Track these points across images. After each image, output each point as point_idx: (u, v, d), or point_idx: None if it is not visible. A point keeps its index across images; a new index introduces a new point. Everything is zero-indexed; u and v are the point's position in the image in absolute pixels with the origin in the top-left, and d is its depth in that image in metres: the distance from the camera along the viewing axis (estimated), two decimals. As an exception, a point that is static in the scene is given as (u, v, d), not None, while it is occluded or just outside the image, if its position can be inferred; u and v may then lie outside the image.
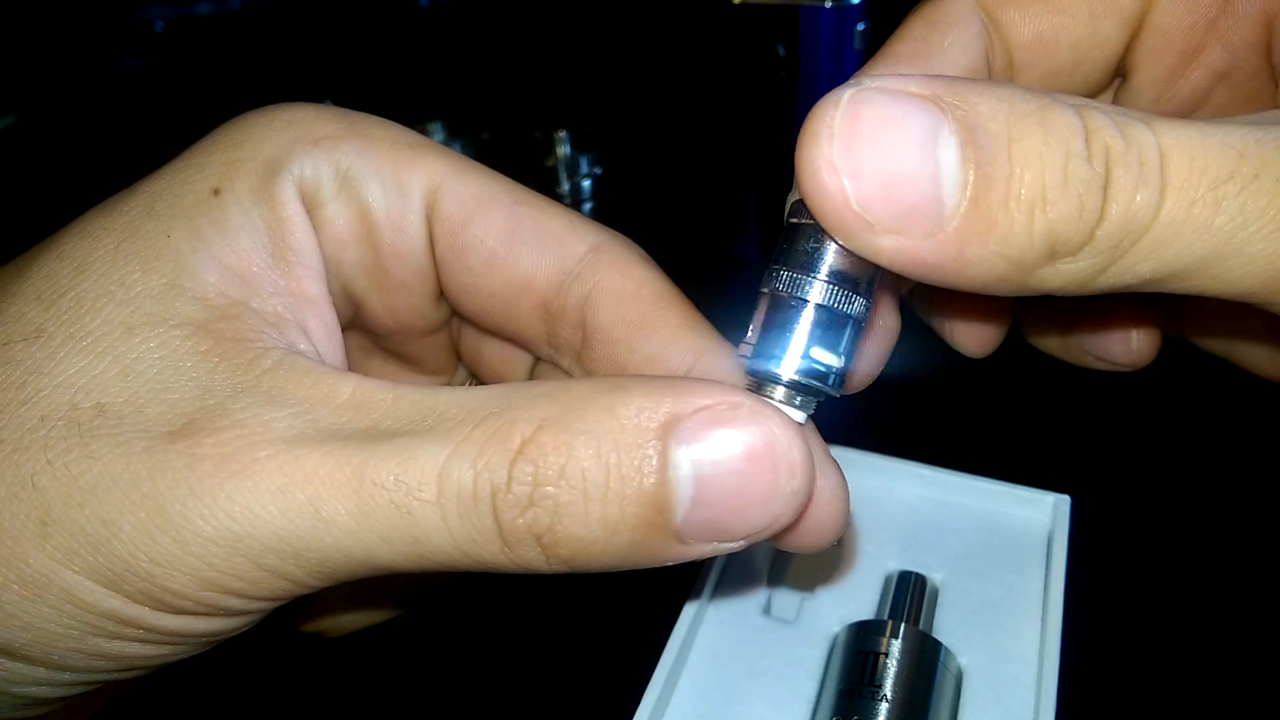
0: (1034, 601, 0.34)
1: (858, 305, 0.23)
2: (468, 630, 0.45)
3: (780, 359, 0.23)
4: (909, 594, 0.34)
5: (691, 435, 0.21)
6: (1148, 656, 0.42)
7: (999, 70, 0.29)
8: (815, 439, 0.25)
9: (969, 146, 0.20)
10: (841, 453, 0.39)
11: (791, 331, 0.23)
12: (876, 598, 0.35)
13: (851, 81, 0.21)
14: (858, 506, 0.38)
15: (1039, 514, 0.37)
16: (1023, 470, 0.38)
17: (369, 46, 0.93)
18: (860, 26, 0.63)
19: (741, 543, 0.22)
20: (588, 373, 0.29)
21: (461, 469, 0.20)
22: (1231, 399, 0.52)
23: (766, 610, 0.35)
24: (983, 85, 0.21)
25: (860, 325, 0.23)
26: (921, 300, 0.31)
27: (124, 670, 0.23)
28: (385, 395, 0.22)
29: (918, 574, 0.35)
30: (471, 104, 0.83)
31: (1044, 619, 0.33)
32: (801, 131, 0.21)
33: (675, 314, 0.27)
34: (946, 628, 0.34)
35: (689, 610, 0.33)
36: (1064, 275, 0.21)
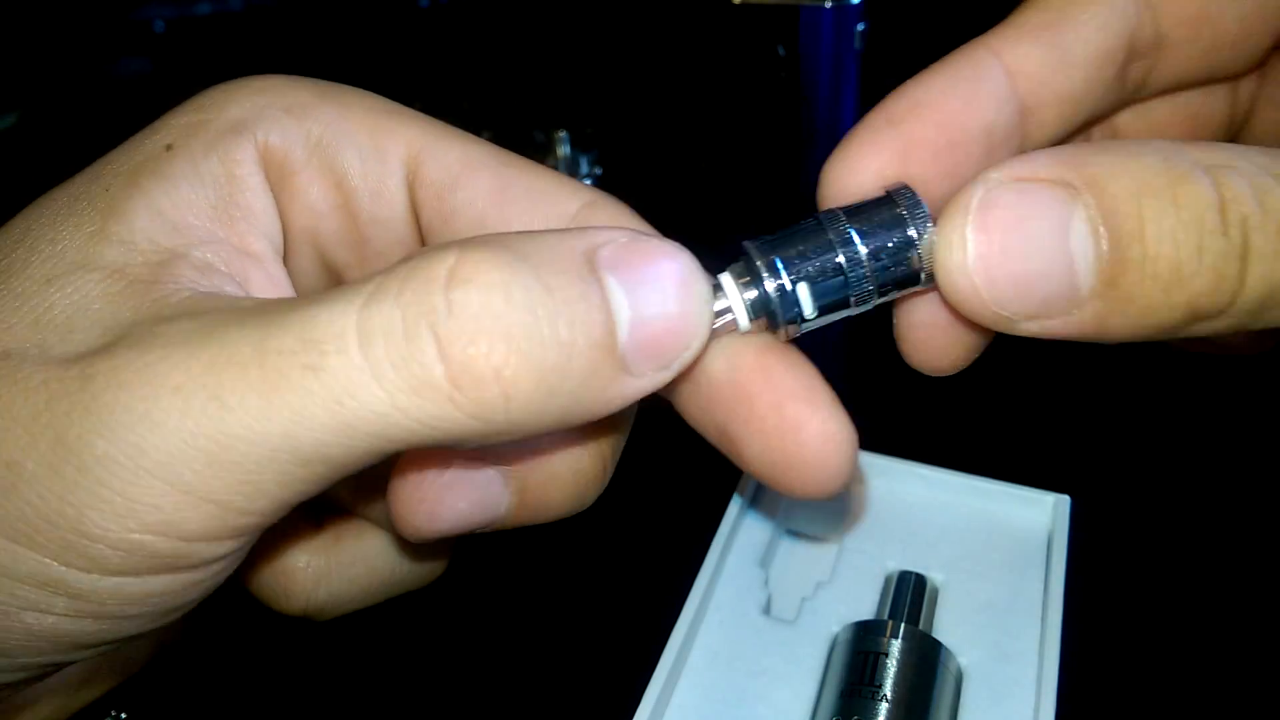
0: (1034, 601, 0.34)
1: (870, 302, 0.24)
2: (466, 629, 0.45)
3: (779, 268, 0.23)
4: (909, 594, 0.34)
5: (615, 261, 0.21)
6: (1147, 656, 0.42)
7: (1147, 49, 0.27)
8: (812, 371, 0.24)
9: (1101, 233, 0.21)
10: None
11: (806, 259, 0.23)
12: (876, 598, 0.35)
13: (980, 179, 0.22)
14: (858, 506, 0.38)
15: (1039, 514, 0.37)
16: (1023, 470, 0.38)
17: (369, 46, 0.93)
18: (860, 27, 0.63)
19: (675, 368, 0.22)
20: None
21: (384, 309, 0.19)
22: (1231, 399, 0.52)
23: (766, 610, 0.35)
24: (1112, 159, 0.21)
25: (853, 314, 0.24)
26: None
27: (67, 652, 0.21)
28: (288, 301, 0.20)
29: (918, 574, 0.35)
30: (471, 104, 0.83)
31: (1044, 619, 0.33)
32: (939, 228, 0.22)
33: None
34: (946, 628, 0.34)
35: (689, 610, 0.33)
36: (1212, 328, 0.22)
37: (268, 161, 0.26)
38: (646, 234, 0.22)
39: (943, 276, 0.22)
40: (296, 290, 0.27)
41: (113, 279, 0.22)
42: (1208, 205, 0.20)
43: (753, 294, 0.23)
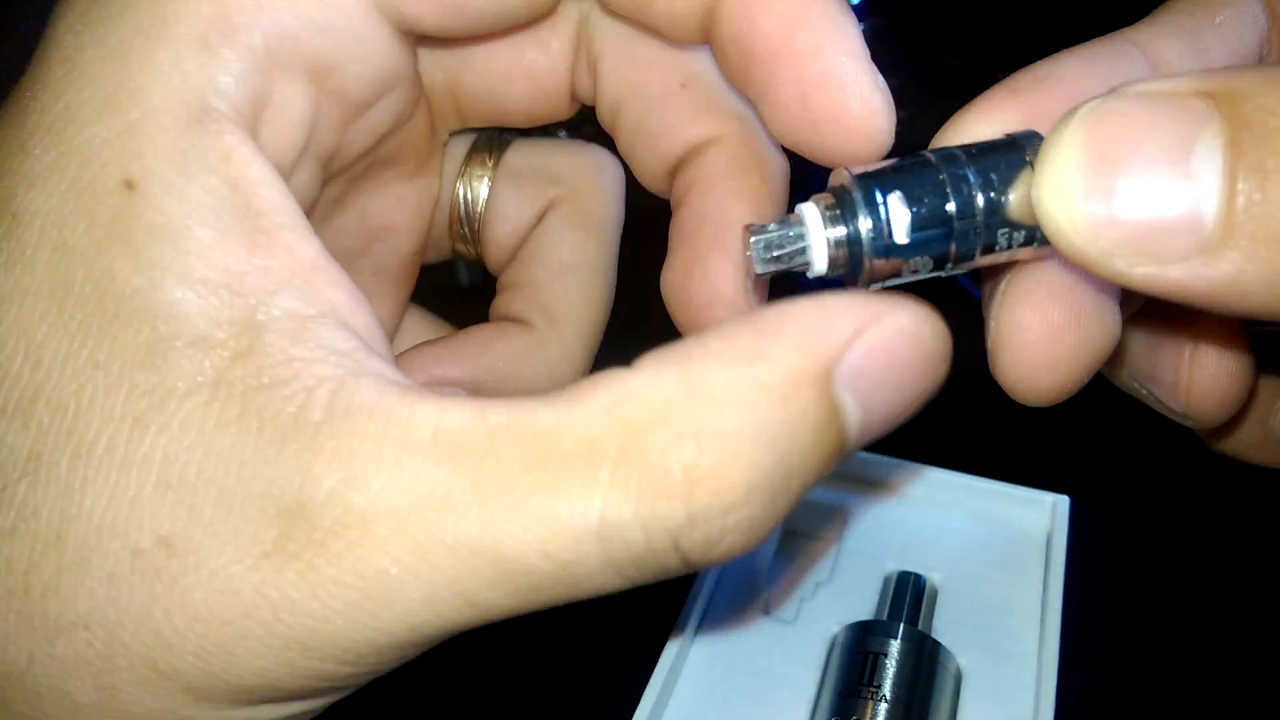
0: (1033, 602, 0.34)
1: (974, 258, 0.20)
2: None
3: (878, 200, 0.20)
4: (908, 594, 0.34)
5: (854, 378, 0.18)
6: (1147, 657, 0.42)
7: (1275, 61, 0.25)
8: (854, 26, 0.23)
9: (1238, 147, 0.17)
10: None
11: (911, 197, 0.20)
12: (876, 598, 0.35)
13: (1109, 91, 0.18)
14: (858, 507, 0.38)
15: (1038, 514, 0.37)
16: (1023, 470, 0.38)
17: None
18: (860, 27, 0.63)
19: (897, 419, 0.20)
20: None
21: (625, 523, 0.17)
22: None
23: (766, 610, 0.35)
24: (1274, 70, 0.17)
25: (944, 275, 0.21)
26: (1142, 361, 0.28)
27: None
28: (474, 429, 0.18)
29: (917, 574, 0.35)
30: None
31: (1043, 619, 0.33)
32: (1045, 142, 0.19)
33: None
34: (946, 628, 0.34)
35: (689, 610, 0.33)
36: None
37: (239, 118, 0.20)
38: (875, 311, 0.18)
39: (1037, 198, 0.19)
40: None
41: (222, 400, 0.18)
42: None
43: (840, 230, 0.20)
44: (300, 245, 0.20)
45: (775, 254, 0.21)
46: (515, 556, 0.17)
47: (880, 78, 0.22)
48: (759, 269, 0.21)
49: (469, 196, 0.32)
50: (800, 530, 0.38)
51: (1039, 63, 0.23)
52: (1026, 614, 0.34)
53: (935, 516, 0.38)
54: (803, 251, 0.21)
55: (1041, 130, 0.20)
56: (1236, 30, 0.24)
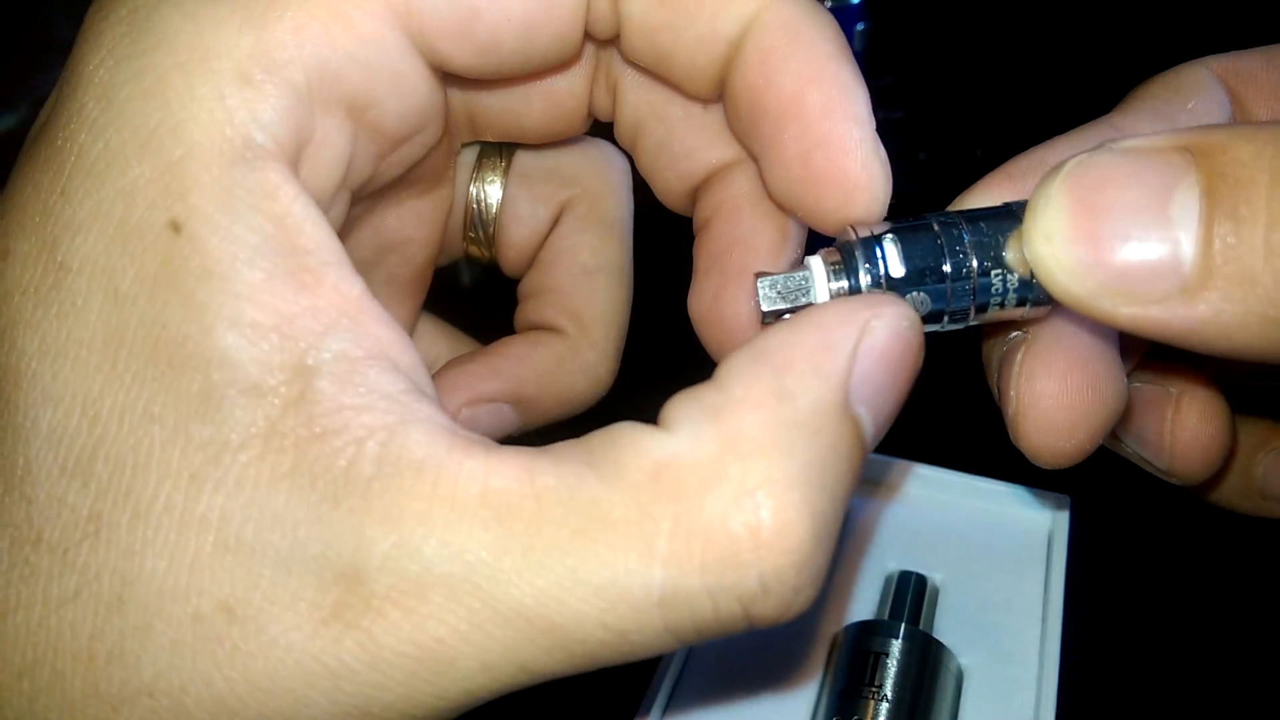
0: (1034, 602, 0.34)
1: (967, 318, 0.22)
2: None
3: (880, 258, 0.22)
4: (909, 594, 0.34)
5: (865, 388, 0.19)
6: (1148, 657, 0.42)
7: None
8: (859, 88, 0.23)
9: (1213, 196, 0.18)
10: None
11: (909, 257, 0.22)
12: (876, 598, 0.35)
13: (1094, 147, 0.20)
14: (858, 507, 0.38)
15: (1039, 514, 0.37)
16: (1023, 470, 0.38)
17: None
18: (860, 26, 0.63)
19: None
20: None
21: (691, 594, 0.17)
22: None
23: (767, 610, 0.35)
24: (1245, 128, 0.19)
25: (941, 331, 0.22)
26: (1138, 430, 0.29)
27: None
28: (522, 492, 0.18)
29: (918, 574, 0.35)
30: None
31: (1044, 619, 0.33)
32: (1033, 194, 0.20)
33: None
34: (947, 628, 0.34)
35: (689, 610, 0.33)
36: None
37: (294, 160, 0.20)
38: (871, 318, 0.20)
39: (1027, 243, 0.20)
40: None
41: (275, 453, 0.18)
42: None
43: (842, 283, 0.22)
44: (345, 284, 0.20)
45: (781, 305, 0.22)
46: (572, 626, 0.18)
47: (881, 147, 0.23)
48: (764, 314, 0.22)
49: (482, 201, 0.32)
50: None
51: (1032, 149, 0.25)
52: (1028, 614, 0.34)
53: (936, 516, 0.38)
54: (807, 300, 0.22)
55: None
56: (1207, 114, 0.26)
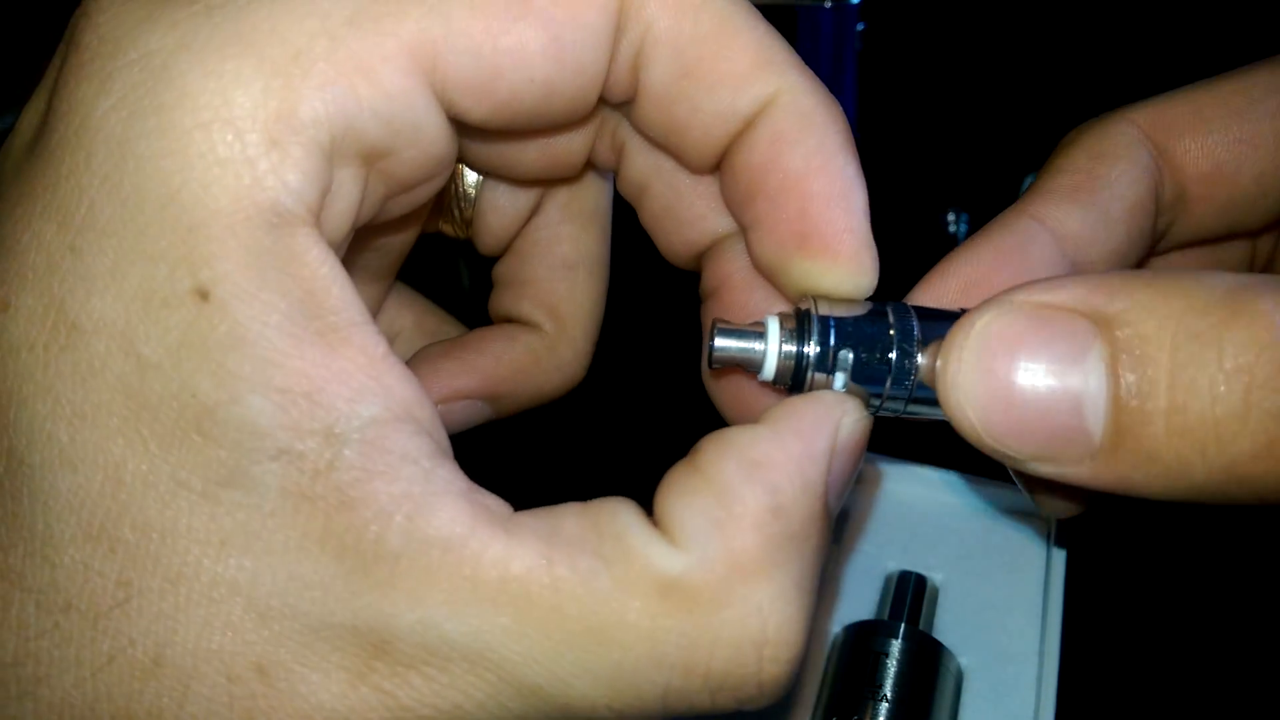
0: (1034, 602, 0.34)
1: (900, 408, 0.23)
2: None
3: (831, 338, 0.22)
4: (909, 594, 0.34)
5: (835, 482, 0.21)
6: (1147, 657, 0.42)
7: (1169, 204, 0.27)
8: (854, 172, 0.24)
9: (1117, 374, 0.19)
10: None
11: (861, 338, 0.22)
12: (876, 598, 0.35)
13: (999, 298, 0.20)
14: (858, 507, 0.38)
15: (1039, 514, 0.37)
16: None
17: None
18: (860, 27, 0.63)
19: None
20: (643, 132, 0.25)
21: (693, 693, 0.19)
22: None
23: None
24: (1153, 291, 0.19)
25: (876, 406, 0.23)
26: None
27: None
28: (540, 582, 0.19)
29: (918, 574, 0.35)
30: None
31: (1044, 619, 0.33)
32: (944, 345, 0.21)
33: (740, 49, 0.23)
34: (946, 628, 0.34)
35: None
36: (1275, 496, 0.19)
37: (317, 218, 0.20)
38: (827, 425, 0.21)
39: (943, 403, 0.21)
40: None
41: (304, 516, 0.18)
42: (1262, 349, 0.17)
43: (791, 349, 0.23)
44: (371, 344, 0.20)
45: (732, 355, 0.23)
46: (581, 705, 0.19)
47: (873, 243, 0.23)
48: (714, 363, 0.23)
49: (461, 184, 0.31)
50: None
51: (954, 260, 0.26)
52: (1027, 614, 0.34)
53: (936, 516, 0.38)
54: (756, 357, 0.23)
55: None
56: (1131, 184, 0.26)
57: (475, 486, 0.20)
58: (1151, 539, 0.47)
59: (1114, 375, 0.19)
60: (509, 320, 0.32)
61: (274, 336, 0.18)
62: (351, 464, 0.18)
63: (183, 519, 0.18)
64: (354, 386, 0.19)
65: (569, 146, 0.27)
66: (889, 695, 0.30)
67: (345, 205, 0.21)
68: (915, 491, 0.39)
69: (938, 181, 0.64)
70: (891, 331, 0.22)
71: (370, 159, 0.21)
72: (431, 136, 0.22)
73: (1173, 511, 0.48)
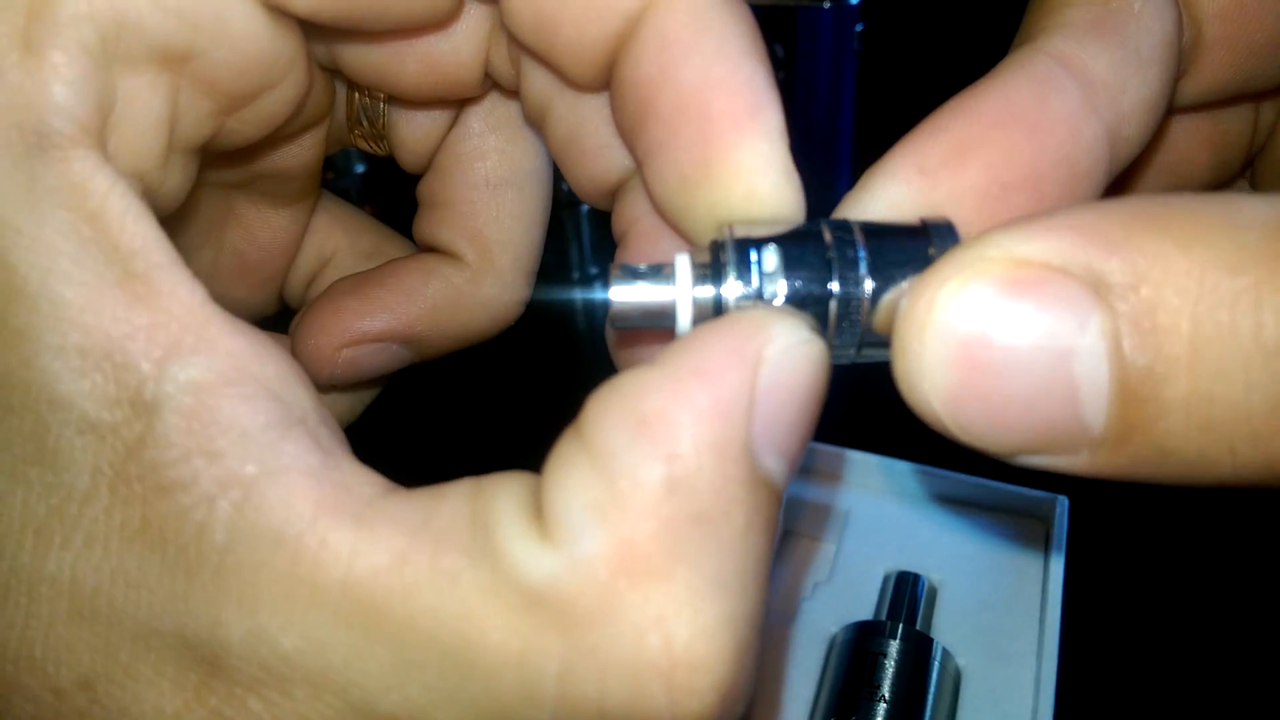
0: (1032, 602, 0.34)
1: (849, 355, 0.18)
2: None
3: (754, 271, 0.17)
4: (907, 594, 0.34)
5: (764, 436, 0.16)
6: (1146, 657, 0.42)
7: (1186, 49, 0.22)
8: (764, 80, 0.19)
9: (1124, 354, 0.14)
10: (841, 453, 0.39)
11: (791, 272, 0.17)
12: (875, 598, 0.35)
13: (964, 251, 0.15)
14: (858, 507, 0.38)
15: (1037, 514, 0.37)
16: (1021, 471, 0.38)
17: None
18: (859, 27, 0.63)
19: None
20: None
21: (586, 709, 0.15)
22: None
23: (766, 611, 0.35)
24: (1167, 239, 0.14)
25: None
26: None
27: None
28: (388, 587, 0.15)
29: (916, 574, 0.35)
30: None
31: (1042, 620, 0.33)
32: (898, 320, 0.16)
33: None
34: (945, 628, 0.34)
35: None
36: None
37: (99, 137, 0.17)
38: (765, 337, 0.16)
39: (903, 394, 0.16)
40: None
41: (122, 506, 0.15)
42: None
43: (708, 291, 0.18)
44: (182, 289, 0.16)
45: (634, 308, 0.18)
46: None
47: (794, 169, 0.19)
48: (616, 321, 0.18)
49: (366, 94, 0.26)
50: (800, 530, 0.38)
51: (947, 111, 0.20)
52: (1026, 614, 0.34)
53: (935, 516, 0.38)
54: (661, 309, 0.18)
55: (958, 210, 0.18)
56: (1158, 12, 0.21)
57: (338, 461, 0.16)
58: (1151, 539, 0.47)
59: (1118, 358, 0.14)
60: (432, 249, 0.28)
61: (60, 286, 0.15)
62: (167, 438, 0.15)
63: None
64: (163, 343, 0.16)
65: (455, 58, 0.23)
66: (887, 695, 0.30)
67: (146, 122, 0.18)
68: (915, 491, 0.39)
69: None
70: (830, 252, 0.17)
71: (170, 63, 0.18)
72: (243, 31, 0.18)
73: (1172, 511, 0.48)
